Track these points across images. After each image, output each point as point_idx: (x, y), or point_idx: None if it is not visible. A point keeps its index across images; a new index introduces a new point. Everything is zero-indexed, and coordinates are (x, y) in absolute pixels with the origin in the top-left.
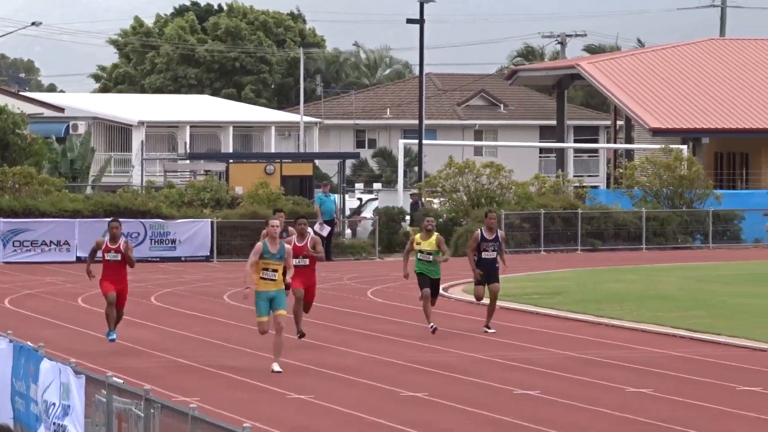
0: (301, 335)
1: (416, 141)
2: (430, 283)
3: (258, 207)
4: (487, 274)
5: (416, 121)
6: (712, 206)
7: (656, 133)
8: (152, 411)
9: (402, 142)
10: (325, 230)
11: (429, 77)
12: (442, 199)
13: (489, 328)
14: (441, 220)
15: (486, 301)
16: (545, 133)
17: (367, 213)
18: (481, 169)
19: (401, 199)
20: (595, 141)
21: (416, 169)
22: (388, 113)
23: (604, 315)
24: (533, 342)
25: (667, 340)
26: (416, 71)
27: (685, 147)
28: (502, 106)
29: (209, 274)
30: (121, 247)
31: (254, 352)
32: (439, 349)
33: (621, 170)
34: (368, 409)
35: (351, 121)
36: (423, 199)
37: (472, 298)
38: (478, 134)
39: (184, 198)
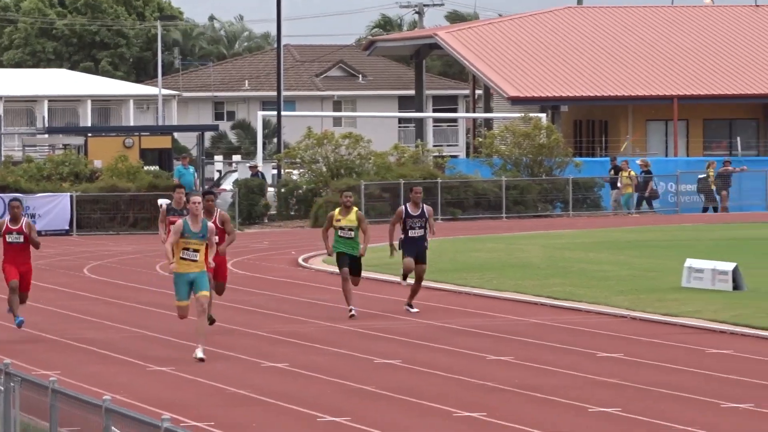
0: (211, 321)
1: (275, 113)
2: (348, 262)
3: (117, 180)
4: (414, 254)
5: (275, 93)
6: (572, 174)
7: (515, 101)
8: (12, 384)
9: (261, 113)
10: None
11: (287, 48)
12: (301, 170)
13: (411, 307)
14: (301, 191)
15: (410, 280)
16: (404, 103)
17: (227, 185)
18: (339, 139)
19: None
20: (454, 110)
21: (275, 140)
22: (247, 85)
23: (465, 284)
24: (395, 312)
25: (528, 308)
26: (274, 43)
27: (544, 115)
28: (360, 76)
29: (69, 248)
30: (23, 227)
31: (116, 326)
32: (301, 320)
33: (480, 139)
34: (230, 381)
35: (209, 94)
36: (283, 170)
37: (330, 269)
38: (337, 105)
39: (43, 172)
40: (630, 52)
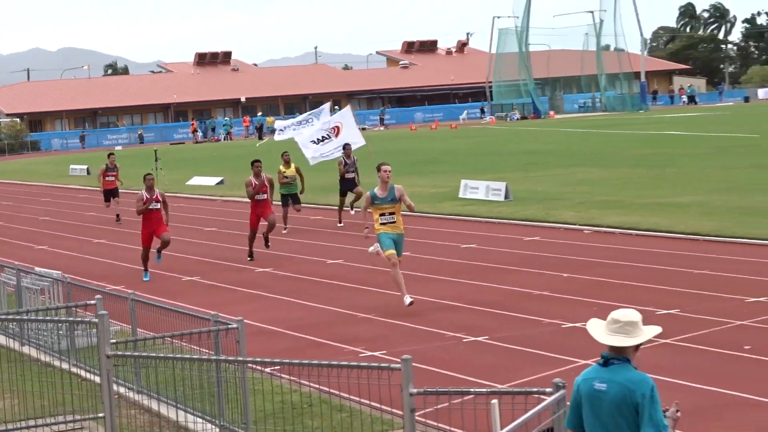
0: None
1: None
2: (290, 199)
3: None
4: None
5: None
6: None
7: (8, 115)
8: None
9: None
10: None
11: None
12: None
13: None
14: None
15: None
16: None
17: None
18: None
19: None
20: None
21: None
22: None
23: None
24: None
25: None
26: None
27: (18, 119)
28: None
29: None
30: (159, 196)
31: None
32: None
33: None
34: None
35: None
36: None
37: None
38: None
39: None
40: None
